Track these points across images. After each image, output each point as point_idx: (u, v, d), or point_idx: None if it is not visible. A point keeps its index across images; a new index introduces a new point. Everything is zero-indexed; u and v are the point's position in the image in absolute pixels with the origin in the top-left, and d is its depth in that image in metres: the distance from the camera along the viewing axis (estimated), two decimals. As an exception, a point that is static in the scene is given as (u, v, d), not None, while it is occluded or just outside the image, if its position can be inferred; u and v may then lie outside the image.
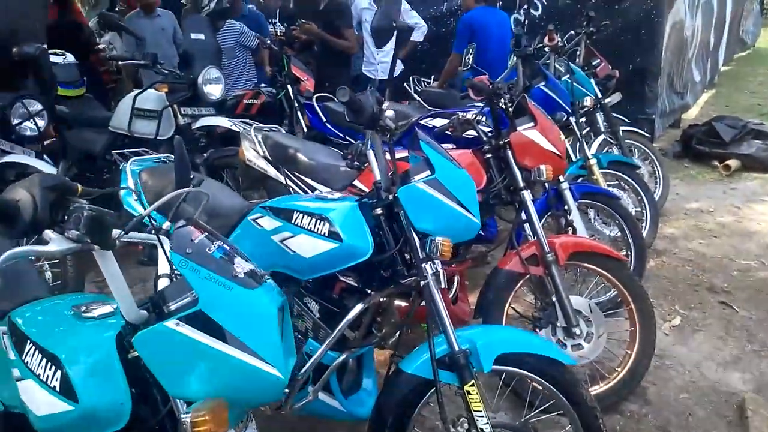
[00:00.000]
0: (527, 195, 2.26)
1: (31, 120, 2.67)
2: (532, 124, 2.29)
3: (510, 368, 1.58)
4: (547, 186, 2.88)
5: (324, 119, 3.66)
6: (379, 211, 1.58)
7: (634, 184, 3.69)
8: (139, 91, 3.50)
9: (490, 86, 2.21)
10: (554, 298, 2.21)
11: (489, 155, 2.35)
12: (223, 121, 3.52)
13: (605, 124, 4.23)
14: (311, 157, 2.69)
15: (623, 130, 4.35)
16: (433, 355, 1.51)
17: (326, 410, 1.76)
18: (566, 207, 2.91)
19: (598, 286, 2.45)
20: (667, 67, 5.64)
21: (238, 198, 2.12)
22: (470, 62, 3.88)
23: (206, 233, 1.18)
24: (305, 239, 1.62)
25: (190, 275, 1.08)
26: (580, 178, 3.57)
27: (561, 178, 2.92)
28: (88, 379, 1.10)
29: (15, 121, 2.63)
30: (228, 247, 1.18)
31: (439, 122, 3.21)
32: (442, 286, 1.58)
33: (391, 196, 1.55)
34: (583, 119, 4.42)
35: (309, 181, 2.66)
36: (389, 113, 1.55)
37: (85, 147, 3.70)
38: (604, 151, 4.25)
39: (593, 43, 4.45)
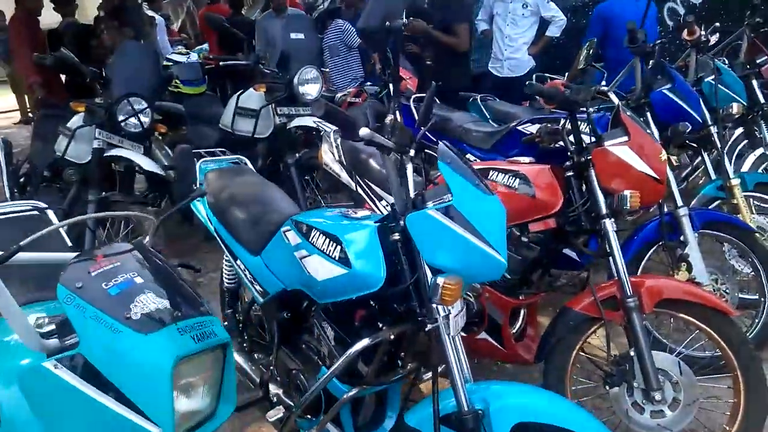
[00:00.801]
0: (609, 225, 1.90)
1: (136, 117, 2.89)
2: (624, 138, 1.90)
3: (531, 439, 1.32)
4: (659, 211, 2.45)
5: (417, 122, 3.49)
6: (396, 236, 1.41)
7: (790, 212, 3.00)
8: (242, 90, 3.64)
9: (565, 92, 1.87)
10: (633, 353, 1.84)
11: (570, 173, 2.02)
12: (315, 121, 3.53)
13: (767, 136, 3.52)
14: (383, 164, 2.56)
15: (790, 145, 3.57)
16: (436, 412, 1.31)
17: (335, 445, 1.64)
18: (682, 237, 2.45)
19: (697, 341, 2.00)
20: None
21: (288, 205, 2.06)
22: (585, 60, 3.42)
23: (115, 264, 1.07)
24: (318, 261, 1.51)
25: (73, 313, 1.00)
26: (717, 202, 2.98)
27: (678, 202, 2.46)
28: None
29: (121, 118, 2.86)
30: (139, 281, 1.06)
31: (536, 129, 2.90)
32: (456, 330, 1.36)
33: (402, 222, 1.37)
34: (733, 130, 3.76)
35: (378, 190, 2.53)
36: (363, 132, 1.35)
37: (199, 142, 3.97)
38: (761, 168, 3.54)
39: (761, 36, 3.71)
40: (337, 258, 1.45)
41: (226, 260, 2.14)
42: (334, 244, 1.47)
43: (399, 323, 1.45)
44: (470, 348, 2.23)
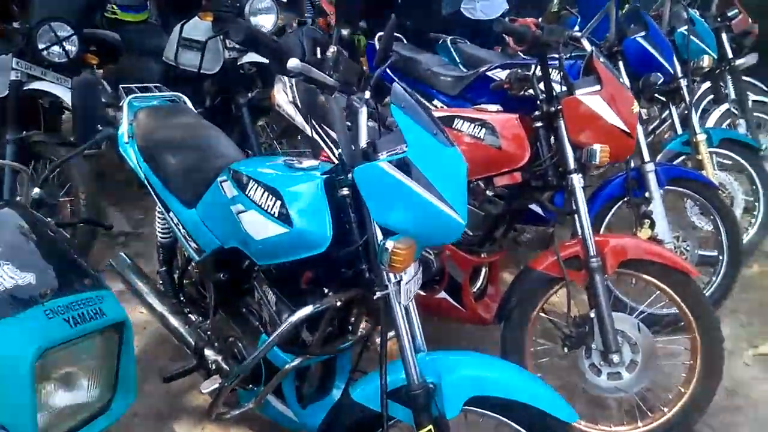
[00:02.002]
0: (576, 181, 1.78)
1: (60, 45, 2.55)
2: (596, 87, 1.76)
3: (485, 412, 1.22)
4: (626, 166, 2.35)
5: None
6: (345, 191, 1.24)
7: (750, 169, 2.96)
8: (187, 19, 3.30)
9: (536, 31, 1.70)
10: (593, 314, 1.76)
11: (538, 124, 1.87)
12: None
13: (733, 91, 3.45)
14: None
15: (754, 101, 3.53)
16: (384, 386, 1.19)
17: (278, 417, 1.52)
18: (647, 194, 2.37)
19: (659, 300, 1.94)
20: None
21: (230, 151, 1.85)
22: (559, 3, 3.23)
23: None
24: (256, 217, 1.34)
25: None
26: (682, 157, 2.92)
27: (645, 158, 2.37)
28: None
29: (41, 45, 2.52)
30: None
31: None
32: (408, 298, 1.23)
33: (350, 176, 1.20)
34: (700, 84, 3.67)
35: (335, 135, 2.33)
36: (292, 63, 1.16)
37: (139, 77, 3.61)
38: (725, 124, 3.49)
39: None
40: (276, 215, 1.28)
41: (158, 212, 1.93)
42: (274, 199, 1.29)
43: (347, 288, 1.30)
44: (428, 308, 2.15)
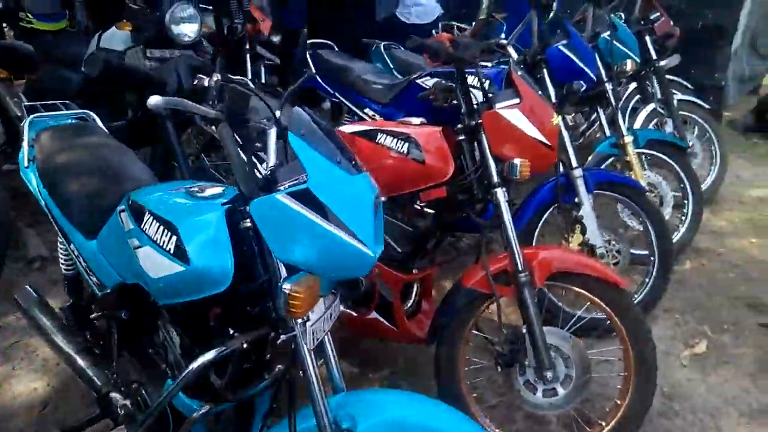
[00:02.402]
0: (501, 194, 1.74)
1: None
2: (515, 101, 1.72)
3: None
4: (555, 172, 2.34)
5: (314, 70, 3.15)
6: (247, 223, 1.13)
7: (677, 168, 3.03)
8: (105, 28, 3.11)
9: (452, 47, 1.65)
10: (524, 329, 1.73)
11: (461, 137, 1.82)
12: (195, 68, 3.08)
13: (659, 91, 3.54)
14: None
15: (679, 101, 3.63)
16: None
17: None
18: (577, 199, 2.37)
19: (590, 311, 1.93)
20: (750, 24, 4.70)
21: (139, 175, 1.70)
22: (487, 10, 3.22)
23: None
24: (150, 253, 1.21)
25: None
26: (611, 159, 2.96)
27: (573, 163, 2.37)
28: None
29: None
30: None
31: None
32: (313, 341, 1.14)
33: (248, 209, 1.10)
34: (627, 86, 3.76)
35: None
36: (152, 101, 1.06)
37: (58, 88, 3.39)
38: (652, 124, 3.58)
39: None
40: (171, 251, 1.16)
41: (60, 242, 1.77)
42: (170, 234, 1.17)
43: (254, 327, 1.20)
44: (360, 328, 2.07)
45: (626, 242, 2.47)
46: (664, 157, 3.03)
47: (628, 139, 2.88)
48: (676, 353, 2.38)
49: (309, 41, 3.32)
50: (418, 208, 1.91)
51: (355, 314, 2.04)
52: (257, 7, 4.06)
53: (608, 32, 2.83)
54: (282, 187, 1.08)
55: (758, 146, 4.69)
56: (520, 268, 1.72)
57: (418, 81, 2.75)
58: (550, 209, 2.42)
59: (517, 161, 1.66)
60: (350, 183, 1.09)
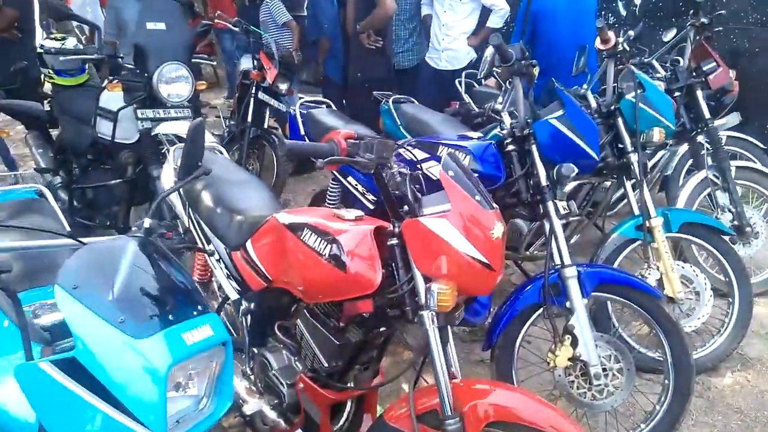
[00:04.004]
0: (427, 319, 1.40)
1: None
2: (444, 207, 1.39)
3: None
4: (545, 268, 1.96)
5: (303, 131, 2.95)
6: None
7: (721, 258, 2.50)
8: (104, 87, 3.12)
9: (349, 149, 1.35)
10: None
11: (393, 241, 1.51)
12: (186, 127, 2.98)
13: (711, 157, 3.02)
14: (220, 199, 2.02)
15: (738, 167, 3.07)
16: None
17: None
18: (568, 303, 1.96)
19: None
20: None
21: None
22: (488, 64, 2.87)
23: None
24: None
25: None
26: (635, 244, 2.49)
27: (566, 260, 1.97)
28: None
29: None
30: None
31: (420, 154, 2.38)
32: None
33: None
34: (677, 147, 3.26)
35: (207, 231, 2.03)
36: None
37: (75, 143, 3.46)
38: (704, 194, 3.04)
39: (709, 39, 3.17)
40: None
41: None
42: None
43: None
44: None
45: (629, 360, 2.00)
46: (705, 244, 2.51)
47: (657, 221, 2.41)
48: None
49: (302, 101, 3.13)
50: (343, 323, 1.61)
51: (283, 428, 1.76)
52: (267, 55, 4.15)
53: (633, 93, 2.40)
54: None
55: None
56: (448, 412, 1.37)
57: (401, 151, 2.48)
58: (537, 313, 2.03)
59: (434, 287, 1.32)
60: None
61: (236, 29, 4.37)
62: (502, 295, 2.85)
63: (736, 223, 2.96)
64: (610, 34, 2.37)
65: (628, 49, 2.43)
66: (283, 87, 4.18)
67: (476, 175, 2.06)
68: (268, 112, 4.25)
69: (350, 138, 1.35)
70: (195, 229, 2.07)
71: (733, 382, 2.44)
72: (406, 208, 1.45)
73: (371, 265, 1.49)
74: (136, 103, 2.96)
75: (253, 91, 4.13)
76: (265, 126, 4.24)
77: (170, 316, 1.05)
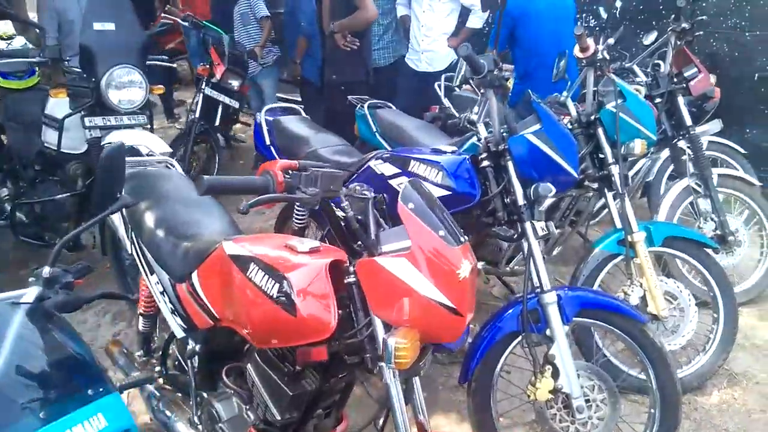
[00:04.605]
0: (387, 374, 1.24)
1: None
2: (404, 244, 1.23)
3: None
4: (523, 292, 1.81)
5: (268, 140, 2.76)
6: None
7: (705, 272, 2.39)
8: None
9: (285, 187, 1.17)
10: None
11: (351, 279, 1.33)
12: (141, 136, 2.77)
13: (693, 164, 2.91)
14: (166, 223, 1.82)
15: (720, 176, 2.97)
16: None
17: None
18: (548, 331, 1.82)
19: None
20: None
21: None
22: (461, 74, 2.72)
23: None
24: None
25: None
26: (617, 259, 2.36)
27: (545, 284, 1.82)
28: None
29: None
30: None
31: (389, 169, 2.22)
32: None
33: None
34: (659, 153, 3.16)
35: (151, 260, 1.82)
36: None
37: (23, 152, 3.21)
38: (686, 203, 2.94)
39: (690, 44, 3.06)
40: None
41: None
42: None
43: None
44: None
45: (613, 391, 1.87)
46: (689, 259, 2.40)
47: (639, 236, 2.29)
48: None
49: (267, 107, 2.93)
50: (299, 367, 1.43)
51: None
52: (217, 51, 4.22)
53: (613, 103, 2.26)
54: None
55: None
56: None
57: (371, 164, 2.32)
58: (516, 341, 1.88)
59: (391, 343, 1.16)
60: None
61: (185, 24, 4.31)
62: (482, 309, 2.73)
63: (718, 232, 2.86)
64: (589, 41, 2.23)
65: (608, 57, 2.28)
66: (235, 83, 4.21)
67: (449, 192, 1.95)
68: (220, 109, 4.29)
69: (290, 169, 1.17)
70: (138, 256, 1.87)
71: (720, 401, 2.33)
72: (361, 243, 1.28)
73: (326, 306, 1.30)
74: (83, 110, 2.74)
75: (203, 87, 4.19)
76: (216, 123, 4.31)
77: (52, 409, 0.86)
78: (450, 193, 1.93)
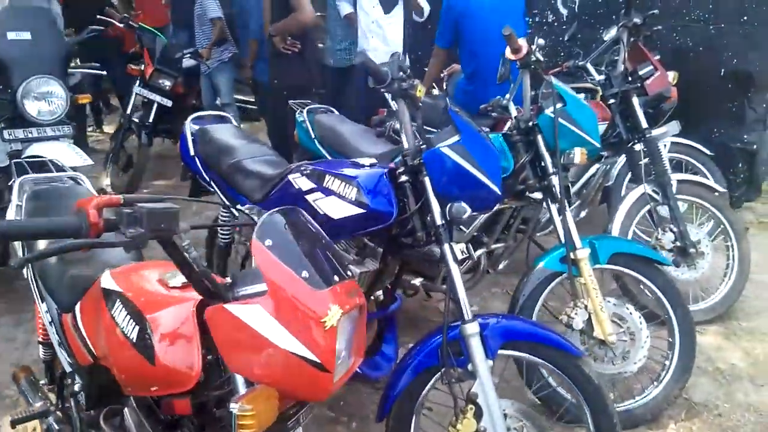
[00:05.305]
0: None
1: None
2: (260, 288, 1.05)
3: None
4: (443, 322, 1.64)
5: (192, 151, 2.56)
6: None
7: (658, 294, 2.21)
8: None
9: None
10: None
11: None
12: (61, 150, 2.59)
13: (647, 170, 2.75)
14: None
15: (680, 182, 2.81)
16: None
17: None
18: (470, 365, 1.64)
19: None
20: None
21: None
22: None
23: None
24: None
25: None
26: (563, 276, 2.19)
27: (466, 315, 1.64)
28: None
29: None
30: None
31: (305, 183, 2.03)
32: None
33: None
34: (615, 157, 3.00)
35: (41, 286, 1.70)
36: None
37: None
38: (642, 212, 2.77)
39: (649, 40, 2.90)
40: None
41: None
42: None
43: None
44: None
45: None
46: (639, 277, 2.22)
47: (583, 253, 2.11)
48: None
49: (195, 115, 2.73)
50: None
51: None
52: (149, 51, 4.44)
53: (552, 108, 2.09)
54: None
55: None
56: None
57: (290, 178, 2.13)
58: (437, 376, 1.71)
59: (234, 409, 0.98)
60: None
61: (121, 26, 4.46)
62: (425, 328, 2.55)
63: (678, 243, 2.68)
64: (521, 41, 2.05)
65: (541, 59, 2.11)
66: (167, 83, 4.38)
67: (363, 211, 1.77)
68: (155, 107, 4.43)
69: (112, 205, 0.99)
70: (31, 281, 1.73)
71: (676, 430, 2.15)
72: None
73: (189, 354, 1.13)
74: (1, 122, 2.58)
75: (135, 86, 4.41)
76: (150, 120, 4.42)
77: None
78: (364, 211, 1.75)
